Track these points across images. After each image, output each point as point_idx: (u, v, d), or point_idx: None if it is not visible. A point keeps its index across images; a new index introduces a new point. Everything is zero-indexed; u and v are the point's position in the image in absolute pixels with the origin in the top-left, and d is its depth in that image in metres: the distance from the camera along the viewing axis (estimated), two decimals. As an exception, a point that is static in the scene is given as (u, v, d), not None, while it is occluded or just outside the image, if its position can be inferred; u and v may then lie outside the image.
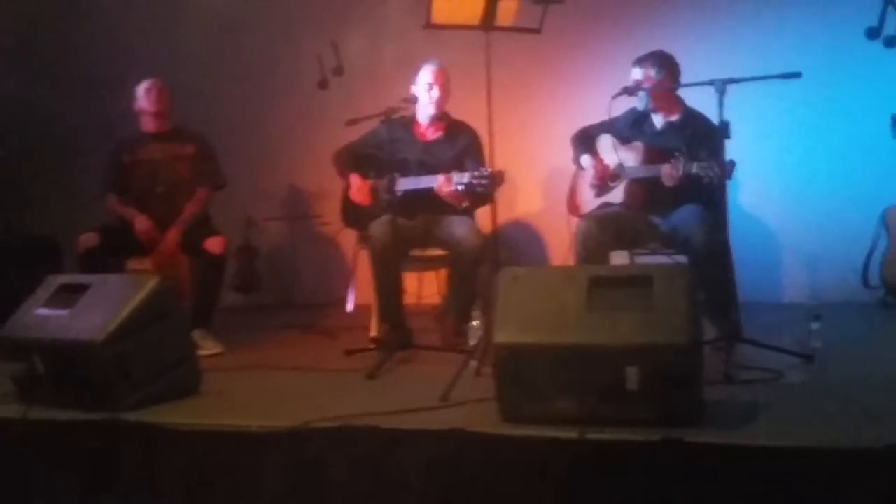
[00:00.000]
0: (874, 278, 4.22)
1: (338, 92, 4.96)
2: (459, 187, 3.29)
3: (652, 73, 3.50)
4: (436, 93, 3.62)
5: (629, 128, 3.62)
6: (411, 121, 3.71)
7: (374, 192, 3.65)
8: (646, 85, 3.49)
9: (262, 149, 5.12)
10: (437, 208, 3.51)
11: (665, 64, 3.52)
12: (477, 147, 3.65)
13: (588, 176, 3.63)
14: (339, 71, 5.02)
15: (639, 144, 3.53)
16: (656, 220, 3.47)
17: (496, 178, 3.23)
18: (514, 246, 4.68)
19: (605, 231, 3.36)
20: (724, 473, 2.04)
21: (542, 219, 4.71)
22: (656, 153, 3.45)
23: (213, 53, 5.18)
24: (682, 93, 3.55)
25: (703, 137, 3.31)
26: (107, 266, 3.59)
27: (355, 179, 3.69)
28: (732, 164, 3.14)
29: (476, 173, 3.25)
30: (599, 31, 4.62)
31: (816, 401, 2.56)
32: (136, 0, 5.31)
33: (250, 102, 5.12)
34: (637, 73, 3.54)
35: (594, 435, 2.12)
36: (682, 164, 3.21)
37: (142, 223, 3.76)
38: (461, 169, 3.46)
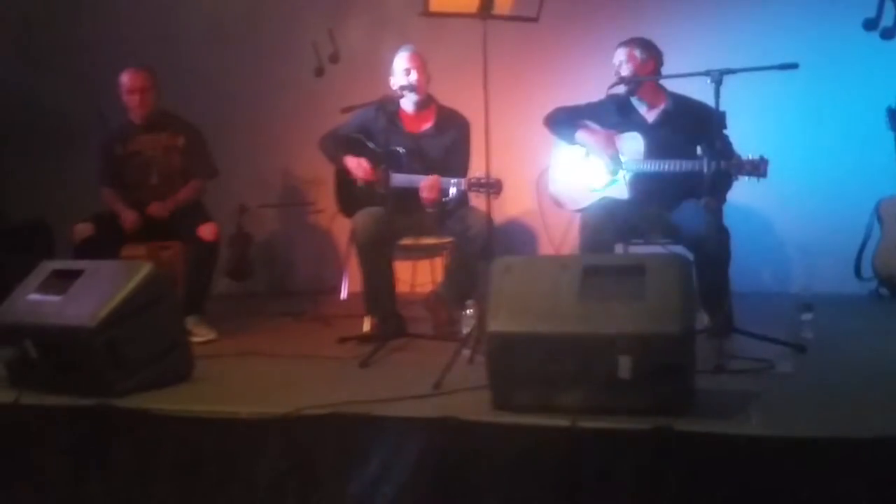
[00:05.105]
0: (867, 270, 4.23)
1: (334, 79, 4.94)
2: (447, 196, 3.32)
3: (637, 52, 3.45)
4: (414, 76, 3.59)
5: (615, 116, 3.52)
6: (397, 111, 3.67)
7: (374, 170, 3.58)
8: (630, 64, 3.44)
9: (257, 136, 5.10)
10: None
11: (649, 47, 3.47)
12: (463, 144, 3.63)
13: (599, 150, 3.44)
14: (335, 58, 5.00)
15: (636, 135, 3.44)
16: (662, 212, 3.42)
17: (496, 186, 3.24)
18: (508, 236, 4.67)
19: (614, 222, 3.29)
20: (715, 462, 2.05)
21: (536, 209, 4.70)
22: (660, 149, 3.36)
23: (210, 40, 5.15)
24: (681, 85, 3.51)
25: (706, 125, 3.15)
26: (102, 254, 3.58)
27: (351, 161, 3.62)
28: (765, 161, 3.13)
29: (473, 179, 3.28)
30: (596, 21, 4.60)
31: (807, 391, 2.57)
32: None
33: (246, 89, 5.10)
34: (621, 55, 3.48)
35: (586, 423, 2.12)
36: (706, 164, 3.15)
37: (127, 218, 3.76)
38: (448, 166, 3.45)
